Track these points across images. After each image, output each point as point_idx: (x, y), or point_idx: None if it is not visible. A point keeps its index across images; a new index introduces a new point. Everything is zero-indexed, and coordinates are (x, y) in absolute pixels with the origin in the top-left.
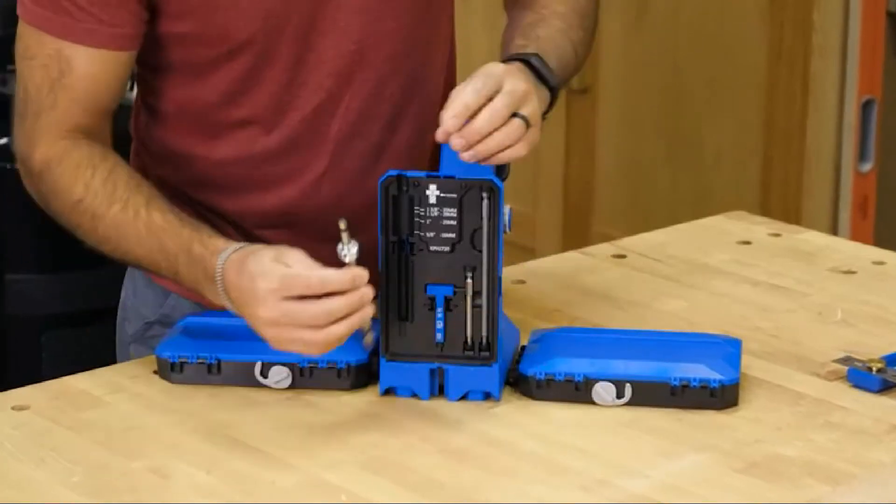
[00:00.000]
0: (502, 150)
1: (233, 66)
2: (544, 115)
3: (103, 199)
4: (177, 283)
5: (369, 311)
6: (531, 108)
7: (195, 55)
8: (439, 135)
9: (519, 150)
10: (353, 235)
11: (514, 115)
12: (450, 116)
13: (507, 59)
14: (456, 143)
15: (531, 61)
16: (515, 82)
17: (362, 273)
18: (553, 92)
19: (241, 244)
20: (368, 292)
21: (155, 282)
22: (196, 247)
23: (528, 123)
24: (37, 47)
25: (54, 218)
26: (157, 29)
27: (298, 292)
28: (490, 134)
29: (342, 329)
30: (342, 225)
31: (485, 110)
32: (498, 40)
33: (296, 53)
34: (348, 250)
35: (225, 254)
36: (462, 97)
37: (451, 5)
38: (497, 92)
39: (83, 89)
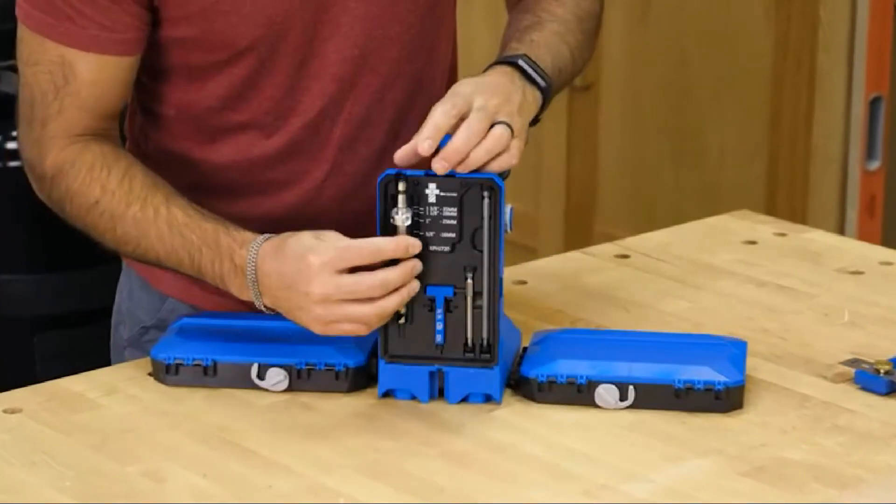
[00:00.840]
0: (492, 159)
1: (234, 70)
2: (537, 116)
3: (121, 199)
4: (200, 280)
5: (416, 285)
6: (509, 118)
7: (195, 60)
8: (402, 154)
9: (510, 160)
10: (359, 234)
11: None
12: (423, 139)
13: (495, 63)
14: (438, 166)
15: (518, 62)
16: (486, 98)
17: (414, 242)
18: (544, 93)
19: (269, 234)
20: (419, 264)
21: (152, 286)
22: (223, 238)
23: (511, 130)
24: (40, 53)
25: (69, 221)
26: (157, 33)
27: (353, 263)
28: (474, 149)
29: (394, 301)
30: (401, 186)
31: (461, 129)
32: (499, 37)
33: (298, 59)
34: (403, 214)
35: (256, 244)
36: (432, 120)
37: (453, 8)
38: (468, 111)
39: (88, 95)
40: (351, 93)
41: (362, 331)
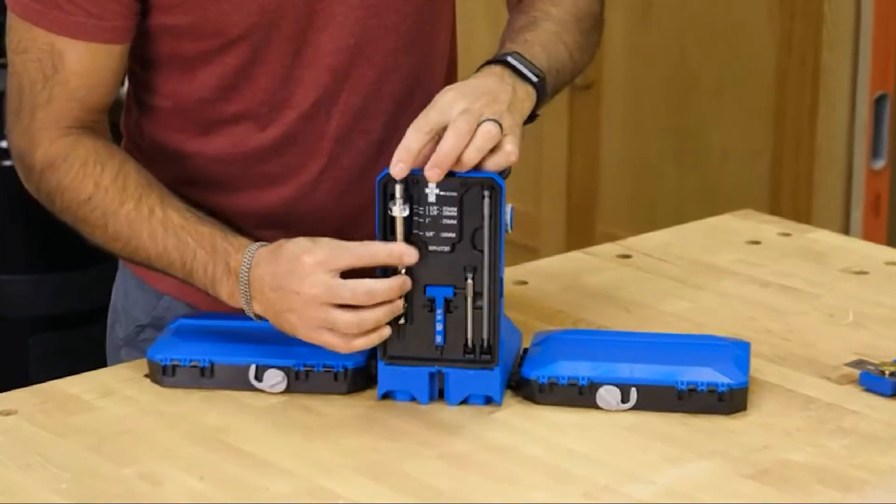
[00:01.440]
0: (487, 158)
1: (226, 60)
2: (533, 113)
3: (115, 196)
4: (186, 283)
5: (399, 304)
6: (497, 116)
7: (187, 49)
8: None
9: (507, 158)
10: (350, 236)
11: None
12: (395, 163)
13: (486, 63)
14: (431, 173)
15: (508, 60)
16: (470, 101)
17: (410, 252)
18: (538, 89)
19: (264, 242)
20: (408, 282)
21: (147, 284)
22: (220, 242)
23: (501, 126)
24: (29, 41)
25: (57, 215)
26: (148, 22)
27: (346, 264)
28: (464, 149)
29: (376, 315)
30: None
31: (448, 132)
32: (499, 34)
33: (292, 48)
34: (400, 206)
35: (252, 249)
36: (404, 142)
37: (452, 1)
38: (446, 121)
39: (77, 84)
40: (346, 83)
41: (340, 344)
